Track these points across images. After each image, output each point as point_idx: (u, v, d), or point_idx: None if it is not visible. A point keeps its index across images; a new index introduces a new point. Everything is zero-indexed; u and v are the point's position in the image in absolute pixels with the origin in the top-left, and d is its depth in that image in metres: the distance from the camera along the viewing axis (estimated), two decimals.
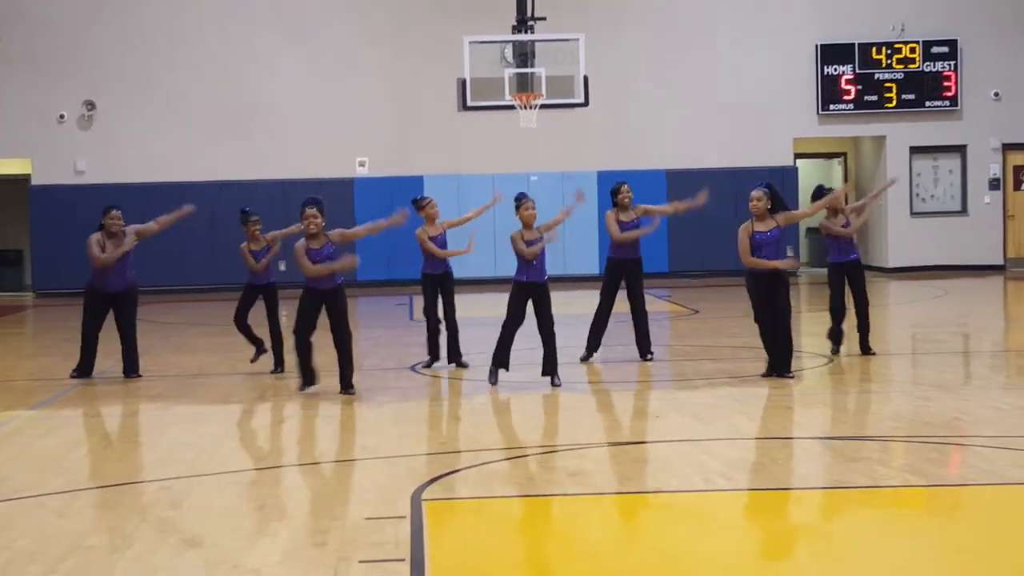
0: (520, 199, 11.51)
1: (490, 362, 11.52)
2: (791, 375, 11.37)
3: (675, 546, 6.26)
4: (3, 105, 25.23)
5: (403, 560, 5.90)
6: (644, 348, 12.91)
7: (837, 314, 12.96)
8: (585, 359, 12.84)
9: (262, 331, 12.79)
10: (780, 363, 11.38)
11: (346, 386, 11.07)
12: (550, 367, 11.35)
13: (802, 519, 6.93)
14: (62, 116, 25.31)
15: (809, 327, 13.37)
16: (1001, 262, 26.19)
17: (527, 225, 11.40)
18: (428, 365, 12.75)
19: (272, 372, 12.54)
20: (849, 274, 12.90)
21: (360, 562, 5.89)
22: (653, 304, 20.05)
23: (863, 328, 12.91)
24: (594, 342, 12.90)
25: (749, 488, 7.51)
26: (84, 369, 12.60)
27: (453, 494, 7.41)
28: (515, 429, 9.77)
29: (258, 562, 5.96)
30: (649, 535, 6.60)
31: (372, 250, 25.30)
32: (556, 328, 11.38)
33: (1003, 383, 11.48)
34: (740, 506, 7.21)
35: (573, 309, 16.12)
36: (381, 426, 9.83)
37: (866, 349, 12.84)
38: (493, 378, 11.42)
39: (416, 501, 7.04)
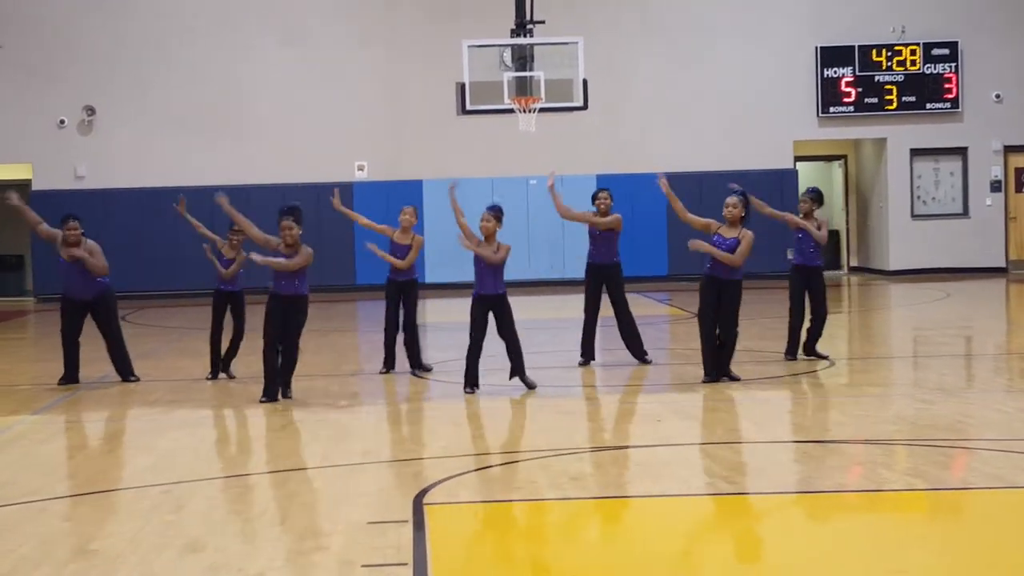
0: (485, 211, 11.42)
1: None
2: (737, 378, 11.38)
3: (677, 550, 6.25)
4: (3, 111, 25.26)
5: (405, 564, 5.89)
6: (638, 351, 12.93)
7: (799, 320, 12.85)
8: (582, 364, 12.86)
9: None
10: (720, 365, 11.41)
11: (284, 387, 11.05)
12: (517, 370, 11.33)
13: (804, 523, 6.93)
14: (62, 121, 25.33)
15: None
16: (1003, 264, 26.18)
17: (485, 237, 11.33)
18: (384, 371, 12.74)
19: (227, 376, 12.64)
20: (811, 280, 12.82)
21: (362, 566, 5.89)
22: (654, 308, 20.08)
23: (816, 332, 12.84)
24: (587, 347, 12.94)
25: (751, 492, 7.51)
26: (69, 376, 12.55)
27: (454, 498, 7.41)
28: (515, 433, 9.76)
29: (261, 566, 5.95)
30: (651, 539, 6.59)
31: (372, 253, 25.32)
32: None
33: (1006, 386, 11.47)
34: (742, 510, 7.21)
35: (567, 313, 16.13)
36: (381, 430, 9.82)
37: (810, 351, 12.79)
38: (469, 389, 11.32)
39: (418, 505, 7.04)
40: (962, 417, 9.59)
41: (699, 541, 6.50)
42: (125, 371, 12.64)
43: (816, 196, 12.97)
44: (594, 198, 13.11)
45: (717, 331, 11.46)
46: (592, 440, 9.25)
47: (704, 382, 11.36)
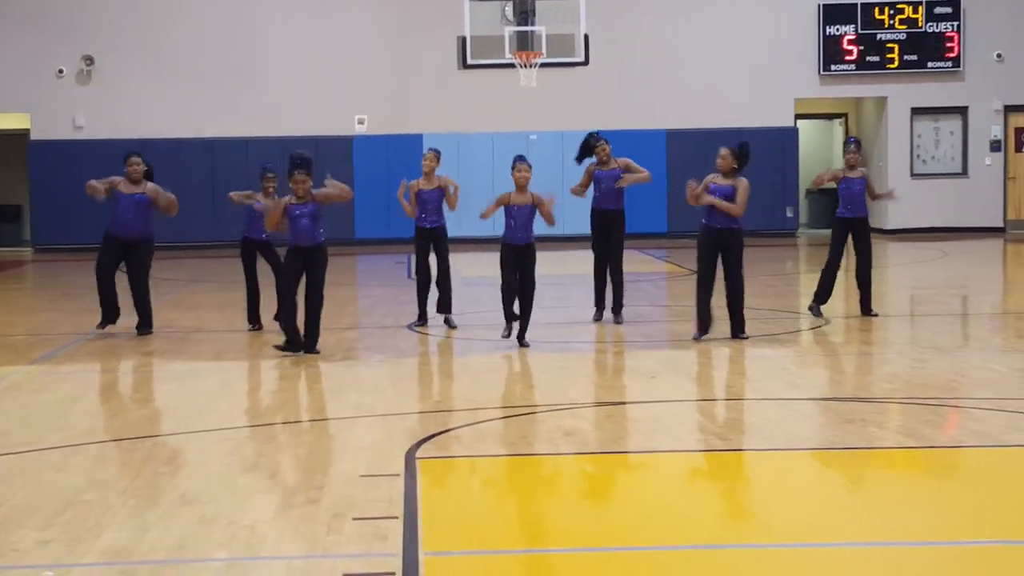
0: (515, 161, 11.49)
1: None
2: (745, 336, 11.35)
3: (668, 505, 6.28)
4: (2, 60, 25.10)
5: (396, 518, 5.92)
6: (616, 307, 12.68)
7: (833, 273, 12.85)
8: (596, 319, 12.77)
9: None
10: (736, 322, 11.39)
11: (311, 345, 10.97)
12: (520, 329, 11.36)
13: (796, 480, 6.95)
14: (61, 71, 25.20)
15: (809, 287, 13.39)
16: (1001, 224, 26.14)
17: (519, 187, 11.39)
18: (418, 324, 12.72)
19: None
20: (855, 231, 12.83)
21: (353, 519, 5.92)
22: (652, 264, 20.07)
23: (865, 287, 12.86)
24: (598, 301, 12.84)
25: (743, 448, 7.54)
26: (108, 316, 12.43)
27: (447, 452, 7.44)
28: (510, 388, 9.78)
29: (252, 518, 5.98)
30: (642, 494, 6.62)
31: (371, 207, 25.27)
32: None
33: (1001, 345, 11.49)
34: (734, 466, 7.24)
35: (567, 268, 16.11)
36: (377, 384, 9.84)
37: (867, 310, 12.81)
38: (505, 332, 11.41)
39: (410, 459, 7.07)
40: (956, 376, 9.62)
41: (690, 497, 6.52)
42: (144, 324, 12.44)
43: (860, 145, 13.07)
44: (594, 148, 12.85)
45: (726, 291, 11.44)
46: (586, 396, 9.27)
47: (695, 339, 11.35)
